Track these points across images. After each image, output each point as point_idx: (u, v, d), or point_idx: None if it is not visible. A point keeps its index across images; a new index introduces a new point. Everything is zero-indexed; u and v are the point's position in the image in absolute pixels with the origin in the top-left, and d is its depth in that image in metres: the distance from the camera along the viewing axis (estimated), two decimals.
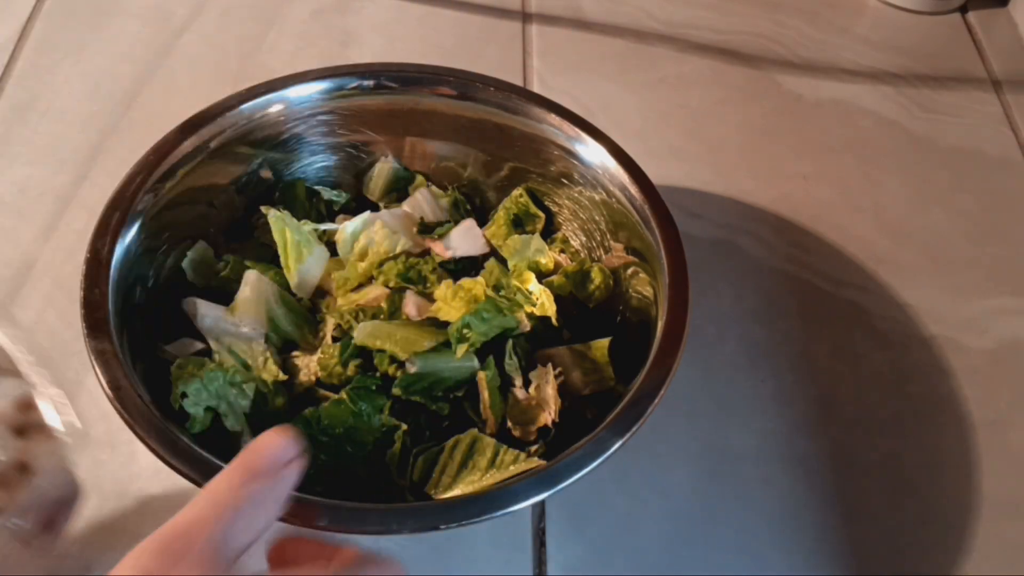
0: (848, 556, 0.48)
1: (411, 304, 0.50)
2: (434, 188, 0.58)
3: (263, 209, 0.52)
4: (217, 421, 0.45)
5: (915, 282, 0.61)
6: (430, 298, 0.50)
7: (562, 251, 0.55)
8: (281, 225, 0.50)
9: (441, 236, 0.54)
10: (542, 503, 0.50)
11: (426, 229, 0.55)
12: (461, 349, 0.46)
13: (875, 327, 0.58)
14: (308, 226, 0.52)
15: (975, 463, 0.52)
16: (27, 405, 0.41)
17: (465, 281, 0.50)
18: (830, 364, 0.56)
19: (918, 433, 0.53)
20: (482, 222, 0.56)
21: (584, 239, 0.55)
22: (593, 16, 0.76)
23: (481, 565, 0.47)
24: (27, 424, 0.40)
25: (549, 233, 0.57)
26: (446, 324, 0.48)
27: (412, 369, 0.46)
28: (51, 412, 0.41)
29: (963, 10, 0.80)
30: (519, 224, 0.56)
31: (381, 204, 0.58)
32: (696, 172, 0.65)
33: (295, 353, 0.50)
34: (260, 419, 0.46)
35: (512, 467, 0.43)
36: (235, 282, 0.50)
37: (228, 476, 0.30)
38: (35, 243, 0.59)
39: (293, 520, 0.36)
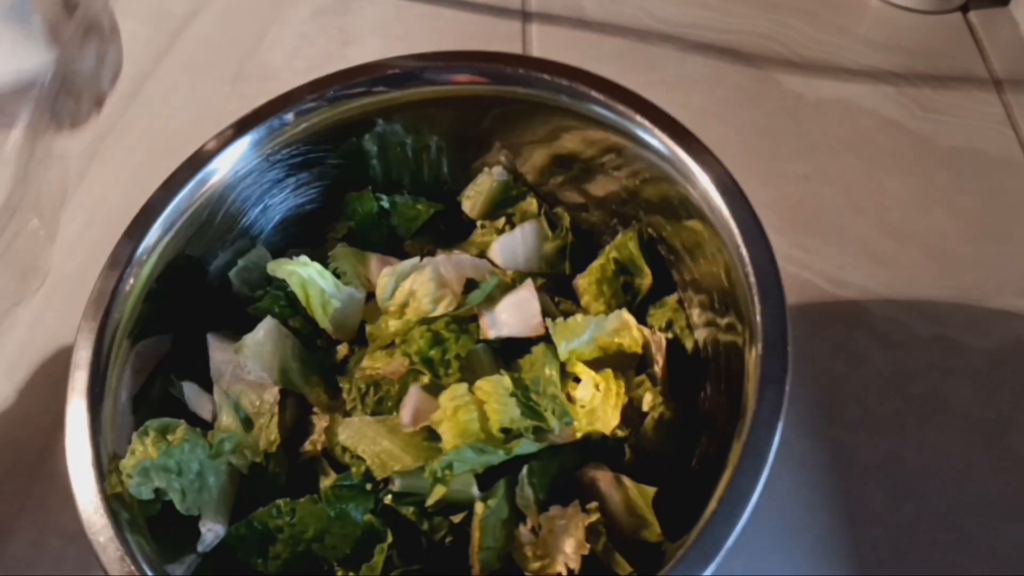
0: (848, 556, 0.48)
1: (408, 409, 0.41)
2: (545, 225, 0.47)
3: (269, 268, 0.45)
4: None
5: (916, 282, 0.61)
6: (440, 391, 0.41)
7: (669, 324, 0.44)
8: (297, 279, 0.44)
9: (487, 305, 0.42)
10: None
11: (471, 287, 0.44)
12: (433, 495, 0.38)
13: (876, 327, 0.58)
14: (343, 269, 0.45)
15: (975, 463, 0.52)
16: None
17: (483, 385, 0.39)
18: (830, 364, 0.56)
19: (918, 433, 0.53)
20: (591, 257, 0.46)
21: (698, 308, 0.44)
22: (593, 16, 0.76)
23: None
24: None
25: (662, 294, 0.46)
26: (436, 440, 0.40)
27: (394, 487, 0.39)
28: None
29: (964, 10, 0.80)
30: (624, 272, 0.46)
31: (478, 224, 0.49)
32: None
33: (315, 410, 0.44)
34: (252, 484, 0.42)
35: None
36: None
37: None
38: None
39: None
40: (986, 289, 0.60)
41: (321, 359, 0.45)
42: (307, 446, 0.43)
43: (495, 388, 0.39)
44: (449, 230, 0.51)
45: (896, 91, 0.72)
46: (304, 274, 0.44)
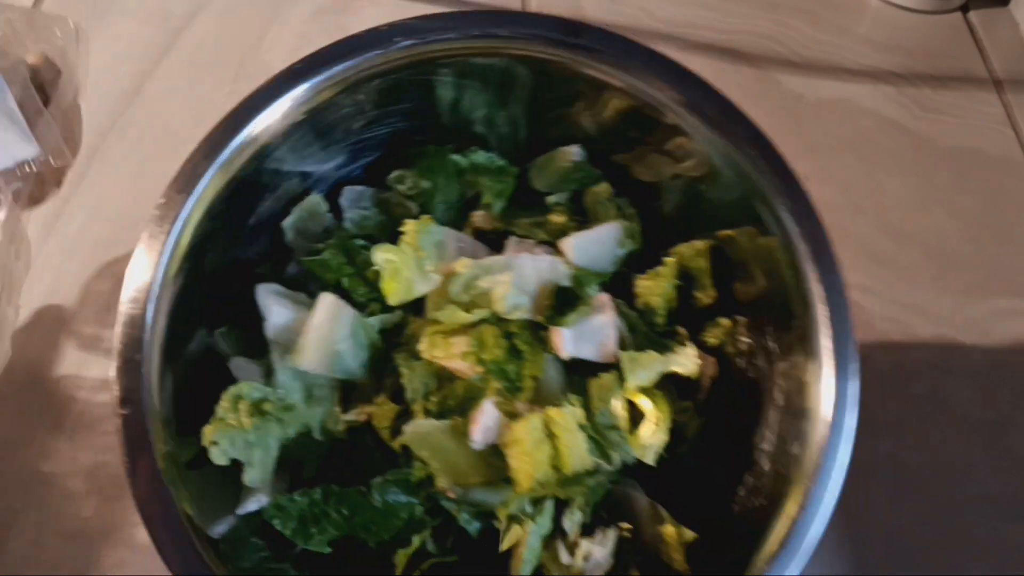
0: (848, 556, 0.48)
1: (480, 427, 0.39)
2: (624, 226, 0.45)
3: (373, 254, 0.42)
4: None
5: (916, 282, 0.61)
6: (512, 414, 0.39)
7: (722, 346, 0.43)
8: (393, 268, 0.41)
9: (565, 323, 0.41)
10: None
11: (559, 308, 0.41)
12: (507, 539, 0.38)
13: (876, 327, 0.58)
14: (430, 258, 0.42)
15: (975, 463, 0.52)
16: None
17: (555, 416, 0.38)
18: None
19: (919, 433, 0.53)
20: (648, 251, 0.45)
21: (752, 336, 0.42)
22: (593, 16, 0.76)
23: None
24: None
25: (716, 314, 0.44)
26: (501, 464, 0.39)
27: (450, 494, 0.39)
28: None
29: (964, 9, 0.80)
30: (687, 282, 0.44)
31: (548, 200, 0.47)
32: None
33: (333, 409, 0.43)
34: (293, 448, 0.41)
35: None
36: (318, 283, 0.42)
37: None
38: (35, 243, 0.59)
39: None
40: (986, 289, 0.60)
41: (375, 337, 0.43)
42: (351, 415, 0.42)
43: (568, 422, 0.38)
44: (516, 200, 0.48)
45: (896, 91, 0.72)
46: (401, 263, 0.42)
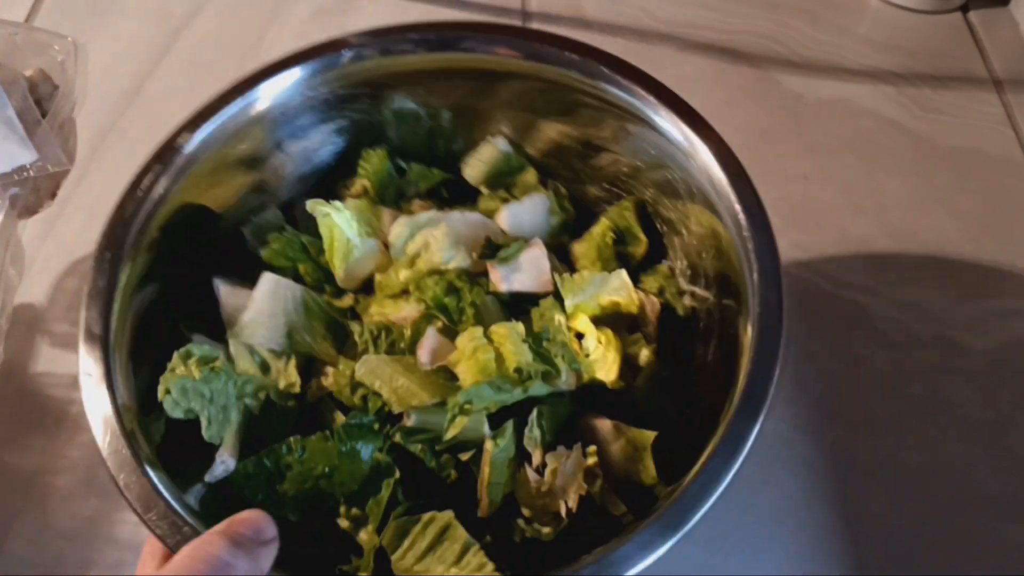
0: (848, 556, 0.48)
1: (426, 347, 0.43)
2: (552, 197, 0.49)
3: (308, 205, 0.46)
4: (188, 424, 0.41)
5: (916, 282, 0.61)
6: (456, 336, 0.43)
7: (661, 290, 0.47)
8: (328, 221, 0.46)
9: (502, 261, 0.45)
10: None
11: (491, 251, 0.46)
12: (455, 426, 0.40)
13: (876, 327, 0.58)
14: (361, 221, 0.46)
15: (975, 463, 0.52)
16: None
17: (497, 329, 0.42)
18: (830, 364, 0.56)
19: (918, 433, 0.53)
20: (584, 226, 0.49)
21: (689, 275, 0.47)
22: (593, 16, 0.76)
23: None
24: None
25: (653, 262, 0.49)
26: (453, 378, 0.42)
27: (408, 422, 0.41)
28: None
29: (964, 9, 0.80)
30: (621, 243, 0.48)
31: (482, 189, 0.51)
32: None
33: (285, 373, 0.44)
34: (260, 425, 0.43)
35: (475, 572, 0.37)
36: (280, 260, 0.47)
37: (213, 541, 0.31)
38: (34, 243, 0.59)
39: None
40: (986, 289, 0.60)
41: (326, 307, 0.46)
42: (313, 387, 0.44)
43: (509, 333, 0.41)
44: (452, 197, 0.52)
45: (896, 91, 0.72)
46: (337, 219, 0.45)
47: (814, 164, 0.67)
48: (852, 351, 0.57)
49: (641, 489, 0.41)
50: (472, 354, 0.41)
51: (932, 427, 0.54)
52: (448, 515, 0.39)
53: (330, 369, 0.45)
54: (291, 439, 0.41)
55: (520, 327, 0.42)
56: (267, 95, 0.47)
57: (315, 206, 0.46)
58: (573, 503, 0.40)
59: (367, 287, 0.48)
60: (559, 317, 0.43)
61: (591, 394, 0.43)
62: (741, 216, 0.41)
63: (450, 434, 0.40)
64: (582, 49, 0.46)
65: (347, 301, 0.47)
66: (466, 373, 0.41)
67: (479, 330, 0.42)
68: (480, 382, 0.40)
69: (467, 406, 0.40)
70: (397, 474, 0.41)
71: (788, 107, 0.71)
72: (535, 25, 0.75)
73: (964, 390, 0.55)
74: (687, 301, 0.47)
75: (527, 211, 0.48)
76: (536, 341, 0.42)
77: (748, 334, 0.38)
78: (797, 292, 0.59)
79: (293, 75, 0.47)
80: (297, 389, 0.43)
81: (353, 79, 0.48)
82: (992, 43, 0.77)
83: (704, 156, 0.43)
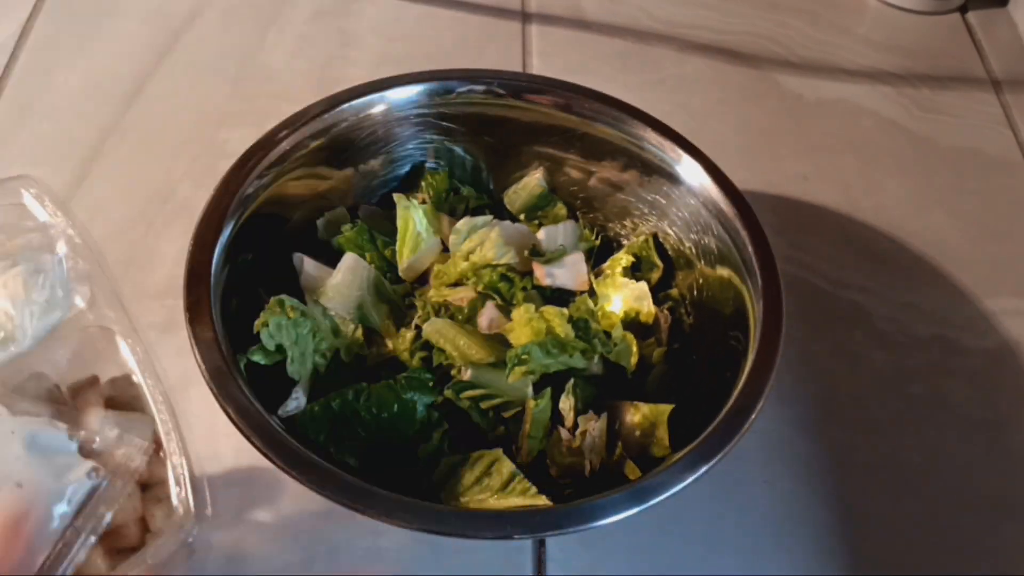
0: (848, 556, 0.48)
1: (486, 315, 0.50)
2: (584, 229, 0.57)
3: (395, 196, 0.54)
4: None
5: (915, 282, 0.61)
6: (509, 315, 0.50)
7: (672, 308, 0.53)
8: (407, 214, 0.53)
9: (547, 262, 0.53)
10: None
11: (537, 253, 0.54)
12: (515, 373, 0.47)
13: (875, 327, 0.58)
14: (430, 219, 0.54)
15: (975, 463, 0.52)
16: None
17: (547, 309, 0.49)
18: (830, 364, 0.56)
19: (918, 433, 0.53)
20: (604, 257, 0.56)
21: (695, 299, 0.54)
22: (593, 16, 0.76)
23: (479, 562, 0.47)
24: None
25: (666, 287, 0.55)
26: (507, 344, 0.49)
27: (465, 376, 0.47)
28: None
29: (963, 10, 0.80)
30: (637, 269, 0.55)
31: (520, 217, 0.58)
32: None
33: (356, 333, 0.51)
34: (327, 376, 0.48)
35: (519, 498, 0.43)
36: (350, 248, 0.52)
37: None
38: None
39: (311, 484, 0.38)
40: (986, 289, 0.60)
41: (391, 291, 0.53)
42: (374, 353, 0.50)
43: (557, 313, 0.49)
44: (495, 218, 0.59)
45: (895, 91, 0.73)
46: (413, 213, 0.53)
47: (813, 164, 0.67)
48: (852, 351, 0.57)
49: (654, 461, 0.46)
50: (527, 323, 0.48)
51: (932, 427, 0.54)
52: (496, 452, 0.45)
53: (389, 340, 0.51)
54: (359, 385, 0.46)
55: (565, 311, 0.49)
56: (390, 99, 0.54)
57: (400, 199, 0.53)
58: (596, 463, 0.46)
59: (422, 280, 0.54)
60: (591, 315, 0.51)
61: (612, 382, 0.50)
62: (754, 264, 0.48)
63: (512, 376, 0.46)
64: (628, 110, 0.54)
65: (406, 287, 0.54)
66: (520, 338, 0.48)
67: (532, 306, 0.49)
68: (534, 342, 0.47)
69: (524, 357, 0.46)
70: (445, 426, 0.47)
71: (787, 107, 0.71)
72: (535, 26, 0.75)
73: (963, 390, 0.55)
74: (691, 320, 0.53)
75: (561, 233, 0.55)
76: (575, 327, 0.49)
77: (747, 361, 0.45)
78: (796, 292, 0.60)
79: (416, 89, 0.54)
80: (363, 349, 0.50)
81: (457, 110, 0.55)
82: (991, 44, 0.77)
83: (720, 202, 0.50)
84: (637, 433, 0.48)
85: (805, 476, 0.51)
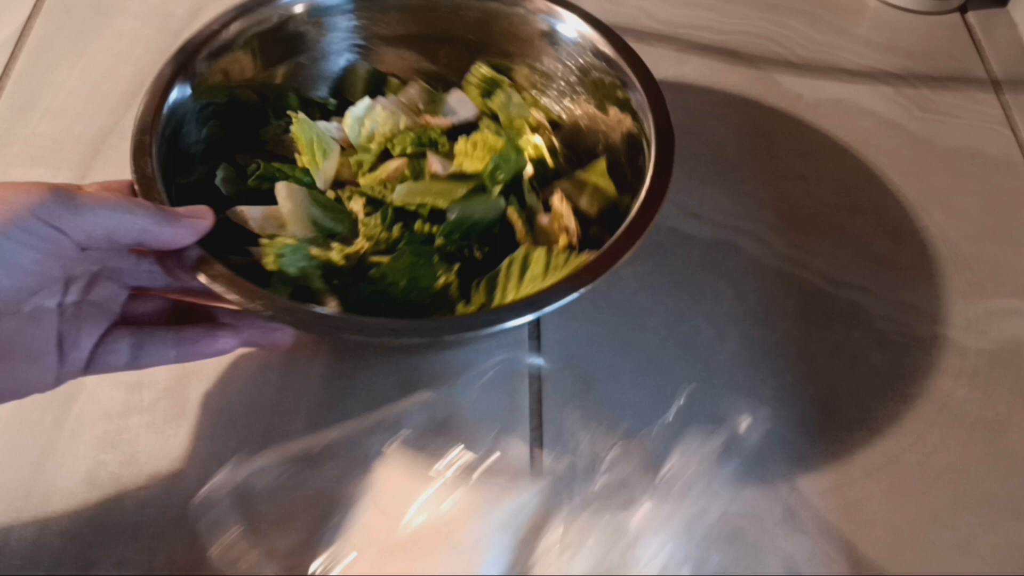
0: (848, 556, 0.48)
1: (436, 162, 0.54)
2: (424, 84, 0.61)
3: (290, 114, 0.55)
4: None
5: (915, 282, 0.61)
6: (449, 156, 0.55)
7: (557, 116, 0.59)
8: (307, 127, 0.55)
9: (434, 111, 0.58)
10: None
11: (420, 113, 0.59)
12: (496, 189, 0.51)
13: (875, 327, 0.58)
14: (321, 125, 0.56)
15: (975, 463, 0.52)
16: None
17: (478, 134, 0.54)
18: (830, 364, 0.56)
19: (918, 433, 0.53)
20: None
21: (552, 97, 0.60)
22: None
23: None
24: None
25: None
26: (468, 176, 0.53)
27: (451, 217, 0.50)
28: None
29: (963, 10, 0.80)
30: (489, 95, 0.60)
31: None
32: (696, 172, 0.65)
33: (334, 245, 0.51)
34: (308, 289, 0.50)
35: (565, 267, 0.47)
36: (266, 184, 0.54)
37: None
38: None
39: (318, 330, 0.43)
40: (985, 289, 0.60)
41: (330, 200, 0.54)
42: (348, 251, 0.50)
43: (488, 136, 0.54)
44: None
45: (895, 91, 0.73)
46: (306, 123, 0.55)
47: (813, 164, 0.67)
48: (851, 351, 0.57)
49: (614, 213, 0.52)
50: (472, 151, 0.53)
51: (931, 427, 0.54)
52: (523, 247, 0.49)
53: (363, 233, 0.52)
54: (371, 271, 0.49)
55: (495, 129, 0.55)
56: None
57: (297, 115, 0.55)
58: (575, 230, 0.52)
59: (338, 186, 0.56)
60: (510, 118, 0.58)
61: (541, 176, 0.56)
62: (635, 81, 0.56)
63: (496, 192, 0.52)
64: None
65: (335, 195, 0.55)
66: (476, 164, 0.53)
67: (466, 138, 0.54)
68: (491, 160, 0.52)
69: (497, 173, 0.51)
70: (458, 264, 0.50)
71: (787, 107, 0.71)
72: None
73: (963, 390, 0.56)
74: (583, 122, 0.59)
75: (412, 96, 0.60)
76: (506, 132, 0.55)
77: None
78: (796, 292, 0.60)
79: None
80: (350, 250, 0.50)
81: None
82: (990, 44, 0.77)
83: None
84: (587, 200, 0.54)
85: (804, 476, 0.51)
